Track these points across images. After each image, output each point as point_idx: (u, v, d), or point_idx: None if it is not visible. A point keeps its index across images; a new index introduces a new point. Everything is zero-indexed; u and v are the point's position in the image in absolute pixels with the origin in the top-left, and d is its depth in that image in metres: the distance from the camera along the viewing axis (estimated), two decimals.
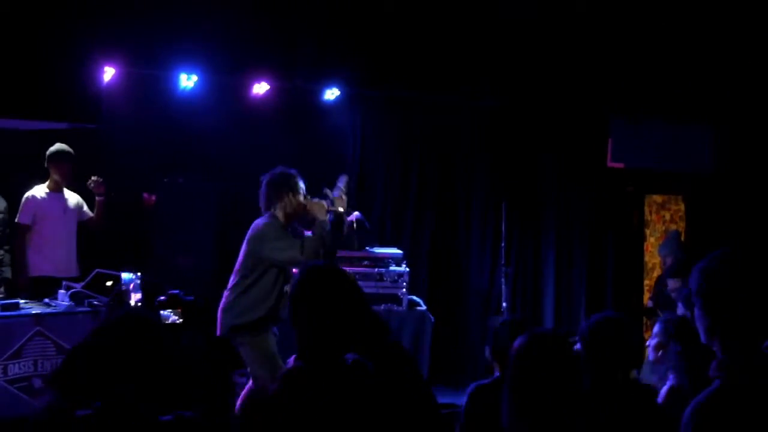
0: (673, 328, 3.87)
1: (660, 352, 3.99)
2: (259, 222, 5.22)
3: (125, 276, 3.81)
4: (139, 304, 3.84)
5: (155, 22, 6.82)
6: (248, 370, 5.16)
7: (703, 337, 2.24)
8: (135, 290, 3.83)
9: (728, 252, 2.21)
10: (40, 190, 6.54)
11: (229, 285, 5.24)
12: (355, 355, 2.63)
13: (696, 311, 2.25)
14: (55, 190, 6.57)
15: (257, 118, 7.65)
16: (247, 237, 5.22)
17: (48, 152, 6.51)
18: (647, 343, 4.02)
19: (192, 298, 3.31)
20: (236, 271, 5.25)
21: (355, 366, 2.61)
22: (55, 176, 6.53)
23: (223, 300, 5.19)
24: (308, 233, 5.21)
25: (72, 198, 6.69)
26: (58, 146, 6.53)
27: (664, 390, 3.80)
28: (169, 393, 2.56)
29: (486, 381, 3.71)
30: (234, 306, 5.14)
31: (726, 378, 2.13)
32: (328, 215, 5.26)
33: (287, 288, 5.07)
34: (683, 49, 7.79)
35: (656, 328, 4.02)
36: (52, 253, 6.51)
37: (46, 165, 6.53)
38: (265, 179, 5.34)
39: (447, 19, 7.54)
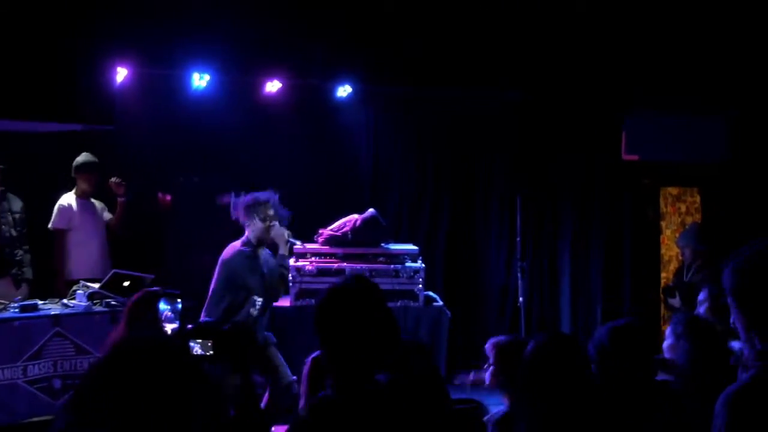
0: (682, 327, 3.82)
1: (670, 352, 3.94)
2: (229, 248, 5.63)
3: (161, 306, 3.56)
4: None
5: (167, 23, 6.82)
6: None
7: (742, 336, 2.23)
8: (170, 320, 3.57)
9: (757, 247, 2.21)
10: (70, 198, 6.77)
11: None
12: (388, 375, 2.51)
13: (732, 310, 2.25)
14: (83, 198, 6.82)
15: (270, 116, 7.66)
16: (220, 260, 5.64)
17: (75, 163, 6.76)
18: (663, 346, 3.97)
19: (227, 327, 3.00)
20: None
21: (391, 389, 2.49)
22: (83, 186, 6.78)
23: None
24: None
25: (98, 204, 6.94)
26: (85, 157, 6.78)
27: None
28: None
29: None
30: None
31: (762, 366, 2.13)
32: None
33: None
34: (695, 39, 7.73)
35: (668, 329, 3.97)
36: (86, 258, 6.75)
37: (73, 175, 6.77)
38: (238, 201, 5.71)
39: (459, 15, 7.51)
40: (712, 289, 4.92)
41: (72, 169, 6.76)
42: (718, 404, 2.12)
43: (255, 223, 5.60)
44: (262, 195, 5.66)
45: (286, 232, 5.73)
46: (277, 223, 5.67)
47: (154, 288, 4.11)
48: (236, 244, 5.60)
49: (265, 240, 5.67)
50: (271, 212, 5.63)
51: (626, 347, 3.20)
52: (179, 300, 3.43)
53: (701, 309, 4.94)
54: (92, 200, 6.91)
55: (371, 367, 2.47)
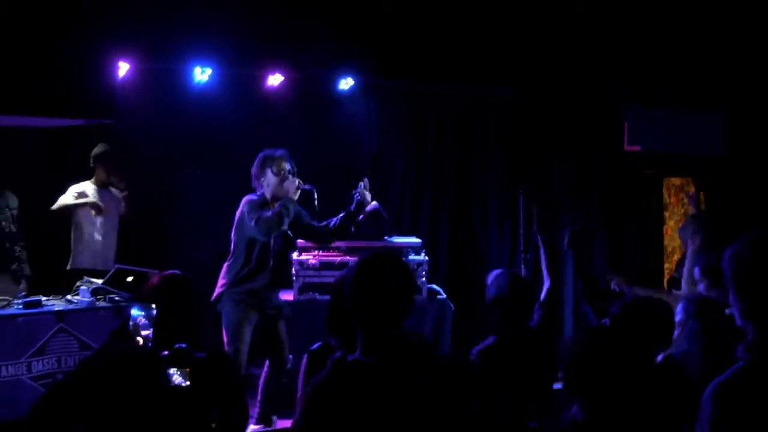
0: (694, 307, 3.86)
1: (679, 330, 3.99)
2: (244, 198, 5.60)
3: (134, 312, 3.31)
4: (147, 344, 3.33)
5: (168, 17, 6.80)
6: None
7: (738, 321, 2.23)
8: (144, 327, 3.33)
9: (758, 235, 2.21)
10: (88, 186, 6.78)
11: None
12: (415, 334, 2.60)
13: (730, 296, 2.24)
14: (102, 187, 6.85)
15: (272, 109, 7.64)
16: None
17: (95, 152, 6.82)
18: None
19: (204, 355, 2.82)
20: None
21: (421, 349, 2.55)
22: (102, 175, 6.82)
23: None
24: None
25: (116, 193, 6.97)
26: (103, 146, 6.84)
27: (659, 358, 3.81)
28: None
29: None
30: (224, 274, 5.55)
31: (752, 359, 2.12)
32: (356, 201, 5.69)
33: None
34: (696, 35, 7.72)
35: (678, 307, 4.02)
36: (94, 247, 6.77)
37: (92, 164, 6.80)
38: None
39: (461, 8, 7.49)
40: (704, 264, 4.96)
41: (91, 158, 6.80)
42: (705, 395, 2.11)
43: (268, 178, 5.53)
44: (276, 150, 5.62)
45: (297, 181, 5.56)
46: (291, 176, 5.53)
47: (182, 273, 3.92)
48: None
49: (279, 194, 5.49)
50: (285, 165, 5.53)
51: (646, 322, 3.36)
52: (154, 306, 3.29)
53: (701, 287, 4.97)
54: (111, 189, 6.94)
55: (397, 327, 2.55)
